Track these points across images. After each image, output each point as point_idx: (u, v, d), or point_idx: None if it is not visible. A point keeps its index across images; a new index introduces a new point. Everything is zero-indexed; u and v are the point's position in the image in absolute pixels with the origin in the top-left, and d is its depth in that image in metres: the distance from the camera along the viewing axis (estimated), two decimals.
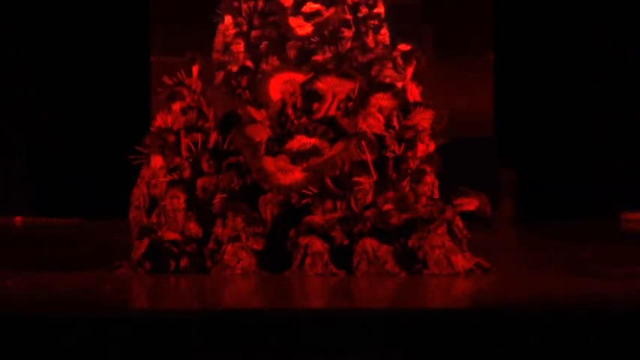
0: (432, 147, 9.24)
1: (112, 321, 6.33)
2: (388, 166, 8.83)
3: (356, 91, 9.42)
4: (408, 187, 8.63)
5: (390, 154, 9.11)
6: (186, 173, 8.98)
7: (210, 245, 8.45)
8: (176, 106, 9.29)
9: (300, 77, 9.52)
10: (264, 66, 9.75)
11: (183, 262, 8.39)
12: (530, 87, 15.46)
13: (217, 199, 8.69)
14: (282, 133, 8.98)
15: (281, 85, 9.47)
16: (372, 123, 9.17)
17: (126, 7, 15.14)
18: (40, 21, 15.24)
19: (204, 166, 8.97)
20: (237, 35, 10.29)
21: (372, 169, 8.74)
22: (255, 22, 10.46)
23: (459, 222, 8.61)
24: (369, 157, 8.80)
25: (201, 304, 7.37)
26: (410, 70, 9.79)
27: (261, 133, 8.92)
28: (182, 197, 8.61)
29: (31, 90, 15.20)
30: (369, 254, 8.30)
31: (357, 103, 9.37)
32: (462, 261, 8.40)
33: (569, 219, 14.47)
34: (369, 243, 8.31)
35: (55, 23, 15.30)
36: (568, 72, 15.43)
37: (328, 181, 8.62)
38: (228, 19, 10.35)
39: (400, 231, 8.47)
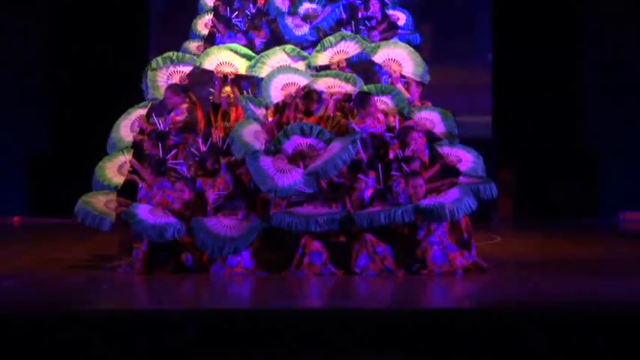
0: (423, 146, 9.29)
1: (111, 321, 6.32)
2: (385, 167, 8.82)
3: (354, 92, 9.46)
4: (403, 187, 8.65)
5: (389, 155, 9.12)
6: (191, 171, 9.02)
7: None
8: (176, 116, 9.38)
9: (300, 78, 9.53)
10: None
11: (184, 257, 8.39)
12: (530, 87, 15.48)
13: (215, 197, 8.69)
14: (279, 134, 8.97)
15: (282, 86, 9.48)
16: (371, 124, 9.18)
17: (126, 8, 15.19)
18: (40, 22, 15.27)
19: (206, 165, 8.99)
20: (235, 35, 10.28)
21: (366, 169, 8.73)
22: (254, 22, 10.44)
23: (464, 220, 8.63)
24: (365, 157, 8.80)
25: (201, 304, 7.36)
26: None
27: (259, 138, 8.90)
28: (186, 192, 8.62)
29: (31, 90, 15.23)
30: (369, 248, 8.30)
31: (356, 104, 9.37)
32: (460, 258, 8.39)
33: (569, 219, 14.49)
34: (369, 238, 8.31)
35: (54, 24, 15.33)
36: (568, 71, 15.46)
37: (323, 182, 8.61)
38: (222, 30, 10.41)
39: (399, 231, 8.48)
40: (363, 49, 9.79)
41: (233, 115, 9.72)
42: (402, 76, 9.83)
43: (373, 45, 9.88)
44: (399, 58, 9.78)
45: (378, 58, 9.82)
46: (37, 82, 15.23)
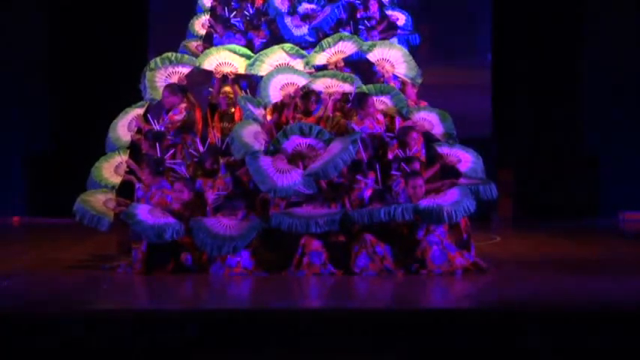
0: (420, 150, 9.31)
1: (111, 321, 6.32)
2: (384, 167, 8.81)
3: (352, 92, 9.46)
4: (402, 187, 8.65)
5: (388, 155, 9.12)
6: (190, 171, 9.02)
7: None
8: (174, 115, 9.37)
9: (299, 78, 9.52)
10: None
11: (183, 257, 8.37)
12: (530, 87, 15.47)
13: (215, 198, 8.68)
14: (278, 134, 8.97)
15: (281, 86, 9.48)
16: (370, 124, 9.17)
17: (126, 8, 15.18)
18: (40, 22, 15.26)
19: (205, 165, 8.98)
20: (233, 36, 10.28)
21: (366, 169, 8.72)
22: (253, 22, 10.44)
23: (464, 220, 8.63)
24: (365, 157, 8.79)
25: (201, 304, 7.36)
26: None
27: (259, 138, 8.90)
28: (185, 193, 8.61)
29: (31, 90, 15.22)
30: (368, 248, 8.29)
31: (354, 105, 9.37)
32: (459, 258, 8.39)
33: (569, 219, 14.47)
34: (369, 238, 8.31)
35: (54, 23, 15.31)
36: (568, 71, 15.44)
37: (323, 183, 8.60)
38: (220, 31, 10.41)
39: (399, 231, 8.48)
40: (359, 48, 9.80)
41: (237, 115, 9.72)
42: (396, 77, 9.85)
43: (370, 43, 9.90)
44: (393, 58, 9.79)
45: (372, 56, 9.84)
46: (37, 82, 15.23)
